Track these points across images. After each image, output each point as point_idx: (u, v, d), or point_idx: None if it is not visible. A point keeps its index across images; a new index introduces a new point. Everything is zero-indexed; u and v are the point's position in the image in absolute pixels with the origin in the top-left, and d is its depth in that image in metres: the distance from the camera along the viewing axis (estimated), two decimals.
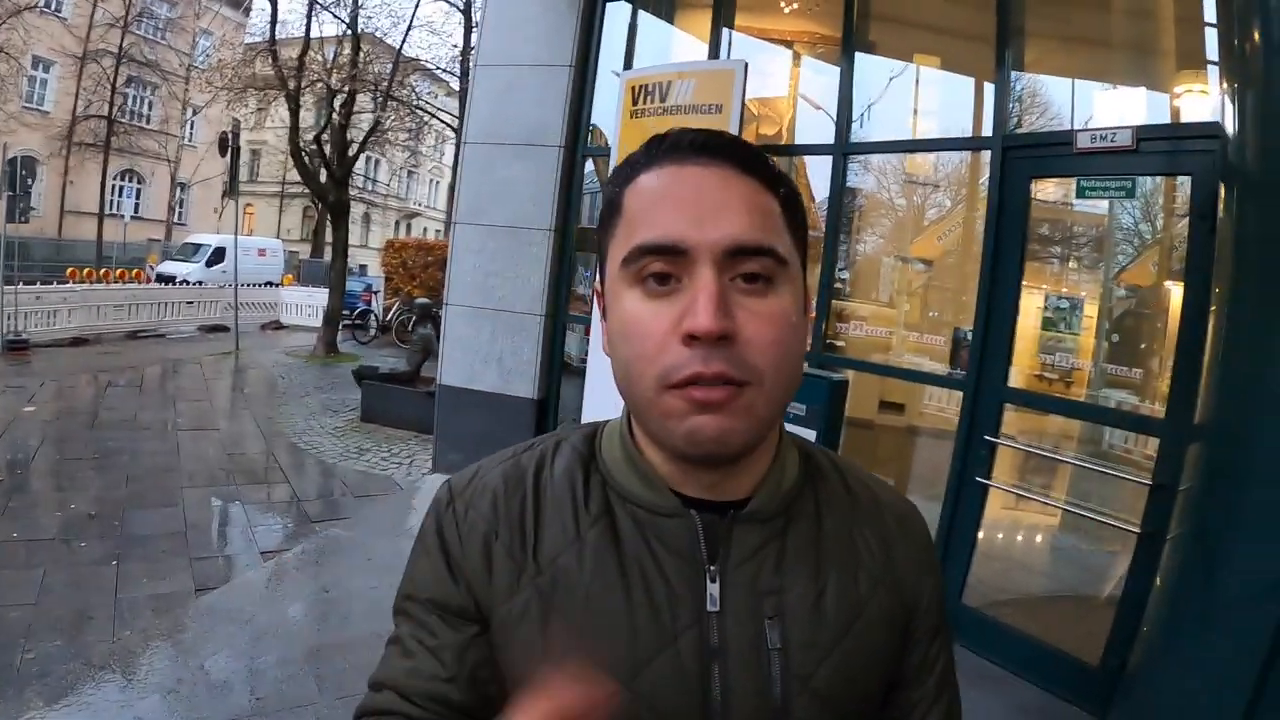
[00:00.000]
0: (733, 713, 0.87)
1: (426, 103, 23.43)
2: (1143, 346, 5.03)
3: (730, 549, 0.91)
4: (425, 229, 48.23)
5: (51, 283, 16.66)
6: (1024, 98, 5.34)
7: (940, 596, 1.04)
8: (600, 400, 5.35)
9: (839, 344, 6.12)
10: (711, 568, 0.90)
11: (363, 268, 32.25)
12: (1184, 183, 4.52)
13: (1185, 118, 4.67)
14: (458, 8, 19.38)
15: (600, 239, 0.93)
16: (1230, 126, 3.38)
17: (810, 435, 4.64)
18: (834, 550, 0.96)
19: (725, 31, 6.89)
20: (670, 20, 7.72)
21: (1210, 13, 4.39)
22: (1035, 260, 5.38)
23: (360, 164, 24.21)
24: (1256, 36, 3.00)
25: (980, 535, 5.07)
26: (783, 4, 7.28)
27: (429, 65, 22.55)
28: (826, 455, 1.06)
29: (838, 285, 6.17)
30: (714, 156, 0.86)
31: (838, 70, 5.96)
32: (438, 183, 50.41)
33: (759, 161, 0.88)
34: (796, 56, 7.28)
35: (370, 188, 42.10)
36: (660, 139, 0.90)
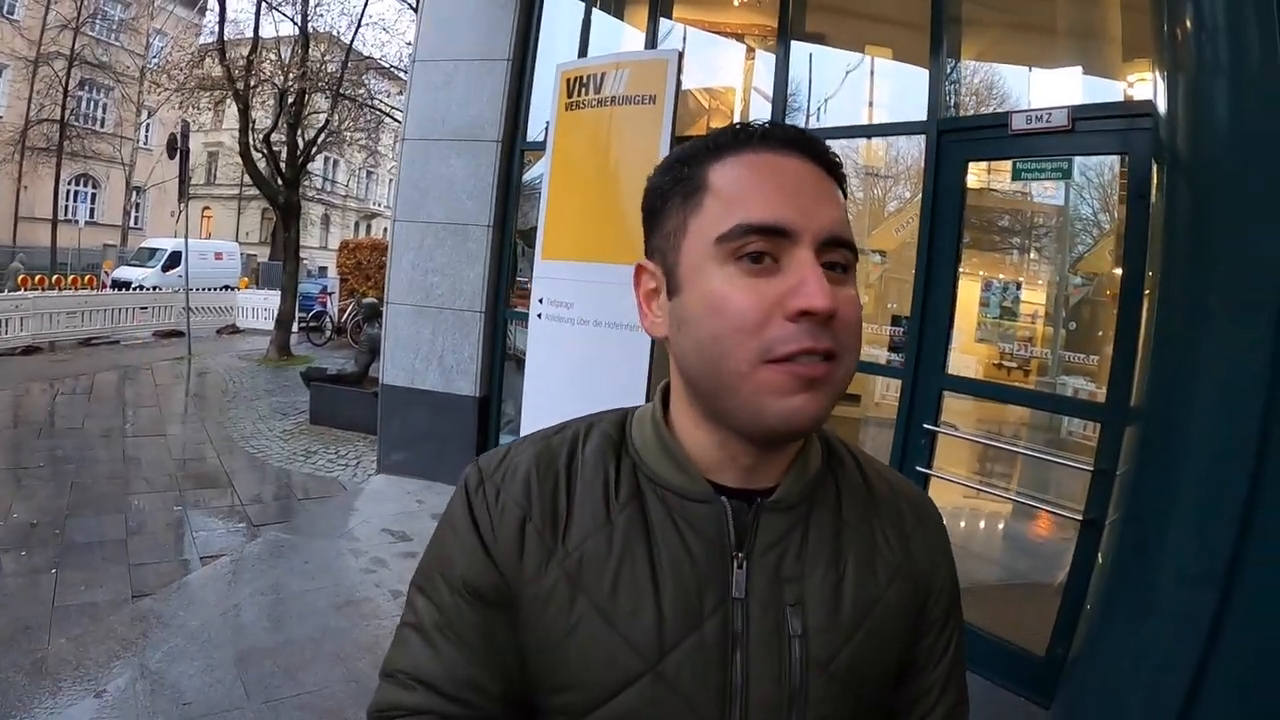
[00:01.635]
0: (751, 696, 0.90)
1: (381, 101, 23.20)
2: (1098, 333, 5.01)
3: (756, 536, 0.94)
4: (385, 229, 47.85)
5: (3, 290, 16.39)
6: (966, 84, 5.32)
7: (954, 585, 1.09)
8: (540, 398, 5.28)
9: None
10: (739, 554, 0.93)
11: (322, 269, 32.11)
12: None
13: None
14: (410, 5, 19.14)
15: (672, 213, 0.94)
16: (1162, 105, 3.35)
17: None
18: (853, 538, 0.99)
19: (670, 24, 6.87)
20: (620, 16, 7.67)
21: None
22: (989, 249, 5.37)
23: (319, 165, 24.05)
24: (1188, 19, 2.97)
25: None
26: None
27: (382, 63, 22.31)
28: (844, 445, 1.10)
29: None
30: (805, 152, 0.91)
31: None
32: (397, 183, 50.15)
33: (835, 161, 0.94)
34: (750, 50, 7.26)
35: (329, 189, 41.90)
36: (748, 127, 0.92)
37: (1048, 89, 5.27)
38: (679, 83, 5.13)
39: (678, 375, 0.96)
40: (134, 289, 21.05)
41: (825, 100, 6.21)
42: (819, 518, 0.97)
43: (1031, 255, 5.59)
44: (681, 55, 5.18)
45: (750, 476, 0.94)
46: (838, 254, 0.87)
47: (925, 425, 4.82)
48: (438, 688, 0.91)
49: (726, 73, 7.42)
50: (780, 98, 5.81)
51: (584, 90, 5.39)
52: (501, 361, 7.43)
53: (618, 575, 0.91)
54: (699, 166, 0.91)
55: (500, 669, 0.92)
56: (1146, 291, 3.64)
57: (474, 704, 0.91)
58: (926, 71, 5.15)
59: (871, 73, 6.38)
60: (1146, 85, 4.56)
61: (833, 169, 0.92)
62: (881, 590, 0.97)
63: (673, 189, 0.93)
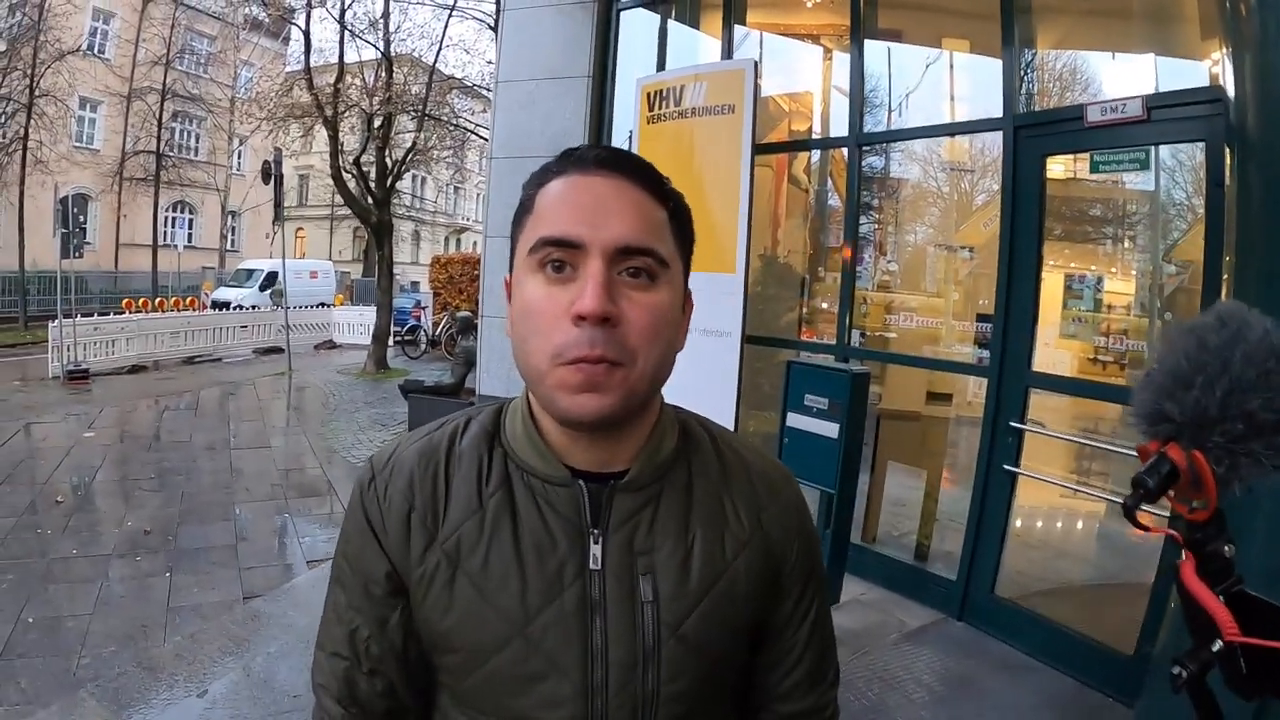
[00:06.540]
0: (610, 656, 1.02)
1: (465, 119, 23.50)
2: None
3: (610, 514, 1.06)
4: (474, 243, 48.05)
5: (109, 314, 17.01)
6: (1040, 76, 5.27)
7: (813, 554, 1.20)
8: None
9: (869, 335, 6.07)
10: (594, 531, 1.05)
11: (414, 284, 32.43)
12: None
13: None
14: (488, 25, 19.41)
15: (513, 234, 1.06)
16: (1230, 88, 3.33)
17: (834, 428, 4.64)
18: (702, 514, 1.10)
19: (745, 31, 6.88)
20: (696, 25, 7.71)
21: None
22: (1080, 240, 5.32)
23: (407, 183, 24.41)
24: None
25: (1015, 524, 5.01)
26: None
27: (465, 82, 22.61)
28: (705, 427, 1.20)
29: (882, 276, 6.11)
30: (612, 169, 1.00)
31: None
32: (484, 197, 50.38)
33: (651, 176, 1.03)
34: (827, 51, 7.23)
35: (419, 205, 42.46)
36: (571, 152, 1.04)
37: (1124, 76, 5.17)
38: (757, 90, 5.21)
39: None
40: (233, 309, 21.61)
41: (906, 96, 6.15)
42: (669, 496, 1.08)
43: (1124, 244, 5.47)
44: (758, 63, 5.26)
45: (602, 462, 1.06)
46: (637, 261, 0.96)
47: (1011, 423, 4.77)
48: (347, 655, 1.09)
49: (804, 75, 7.39)
50: (858, 97, 5.79)
51: (664, 103, 5.50)
52: None
53: (488, 553, 1.03)
54: (534, 190, 1.03)
55: (391, 639, 1.09)
56: (1225, 277, 3.63)
57: (377, 669, 1.09)
58: (1000, 64, 5.08)
59: (951, 66, 6.26)
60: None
61: (645, 182, 1.01)
62: (728, 562, 1.08)
63: (517, 210, 1.06)
